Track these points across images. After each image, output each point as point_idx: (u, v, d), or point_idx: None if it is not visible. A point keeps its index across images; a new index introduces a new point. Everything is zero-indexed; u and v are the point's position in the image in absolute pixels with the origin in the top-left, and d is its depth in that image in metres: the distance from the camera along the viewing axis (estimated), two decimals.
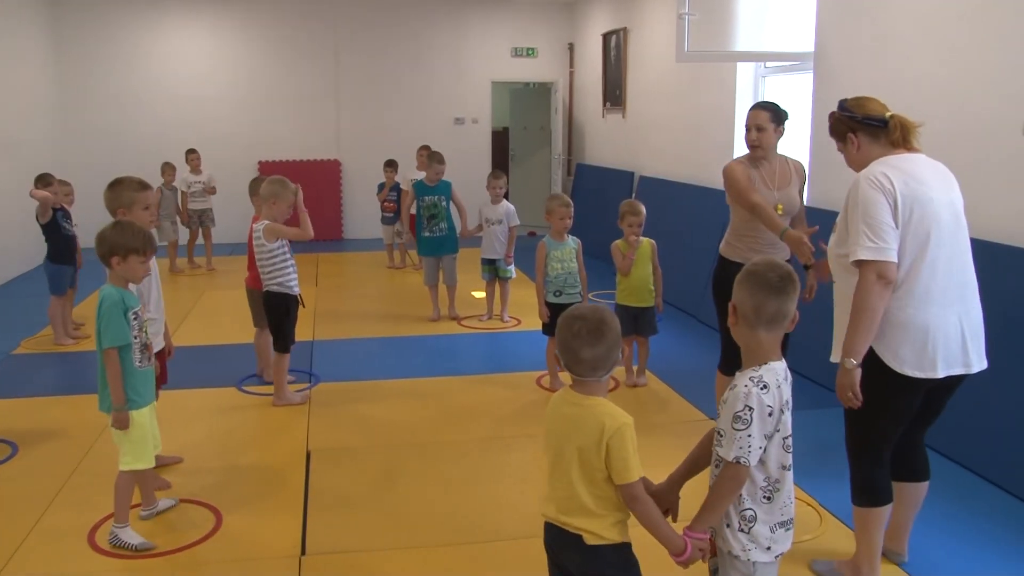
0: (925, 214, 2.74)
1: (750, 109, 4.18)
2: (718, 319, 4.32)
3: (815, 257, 3.72)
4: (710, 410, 4.72)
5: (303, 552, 3.38)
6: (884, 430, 2.92)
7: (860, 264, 2.74)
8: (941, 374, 2.79)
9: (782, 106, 4.15)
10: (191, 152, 9.62)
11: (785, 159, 4.21)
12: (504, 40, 12.37)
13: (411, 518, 3.68)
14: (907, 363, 2.77)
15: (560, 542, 2.28)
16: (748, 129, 4.10)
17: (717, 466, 2.24)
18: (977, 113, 4.51)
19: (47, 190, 6.21)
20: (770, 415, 2.15)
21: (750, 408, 2.13)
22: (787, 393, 2.21)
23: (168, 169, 9.24)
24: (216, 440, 4.57)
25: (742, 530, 2.24)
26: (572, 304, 5.20)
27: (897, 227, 2.73)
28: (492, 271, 7.04)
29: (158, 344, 3.90)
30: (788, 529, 2.27)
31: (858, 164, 2.94)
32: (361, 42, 11.84)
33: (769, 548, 2.23)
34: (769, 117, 4.07)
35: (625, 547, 2.26)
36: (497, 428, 4.74)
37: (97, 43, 11.07)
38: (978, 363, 2.88)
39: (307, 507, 3.76)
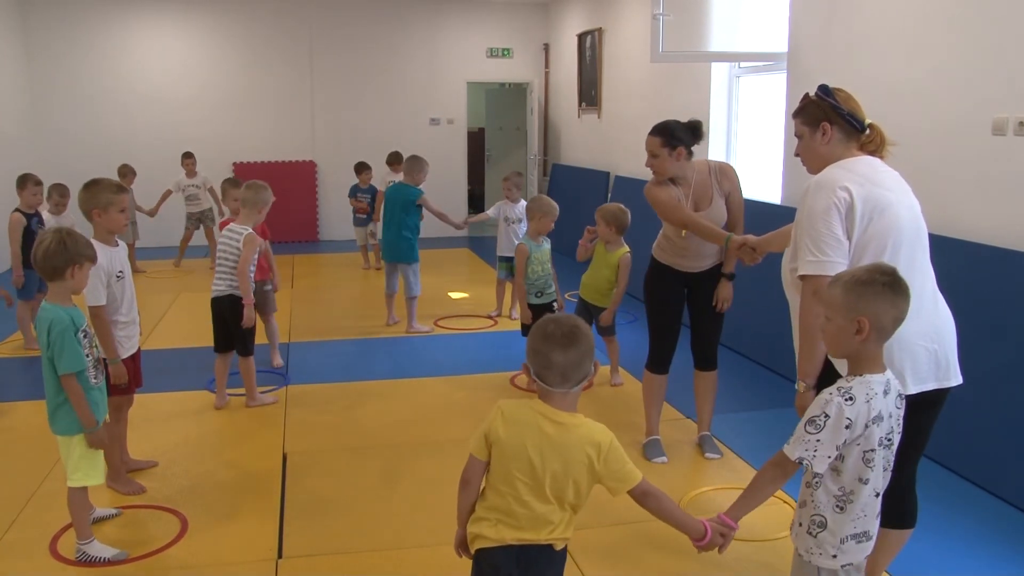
0: (885, 219, 2.54)
1: (648, 133, 3.97)
2: (648, 318, 4.30)
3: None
4: (686, 408, 4.74)
5: (280, 555, 3.36)
6: None
7: (803, 279, 2.57)
8: (912, 390, 2.52)
9: (683, 124, 3.94)
10: (187, 156, 9.74)
11: (707, 169, 4.05)
12: (479, 40, 12.36)
13: (389, 519, 3.66)
14: None
15: (526, 559, 2.19)
16: (646, 153, 3.97)
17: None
18: (948, 113, 4.57)
19: (25, 192, 6.17)
20: (847, 427, 2.10)
21: (827, 416, 2.11)
22: (880, 407, 2.14)
23: (128, 172, 9.09)
24: (192, 443, 4.53)
25: (810, 532, 2.23)
26: (551, 303, 5.27)
27: (851, 237, 2.51)
28: (508, 269, 7.03)
29: (132, 347, 3.86)
30: (860, 542, 2.22)
31: (816, 158, 2.72)
32: (336, 43, 11.79)
33: (835, 556, 2.21)
34: (661, 142, 3.89)
35: None
36: (472, 428, 4.69)
37: (69, 44, 10.93)
38: (954, 376, 2.62)
39: (284, 509, 3.74)
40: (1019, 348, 3.88)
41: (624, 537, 3.35)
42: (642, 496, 2.20)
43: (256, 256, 4.99)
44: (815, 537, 2.22)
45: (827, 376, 2.57)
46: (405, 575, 3.25)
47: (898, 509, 2.82)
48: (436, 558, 3.32)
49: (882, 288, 2.12)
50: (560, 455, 2.14)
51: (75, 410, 3.17)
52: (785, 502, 3.69)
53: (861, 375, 2.16)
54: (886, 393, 2.17)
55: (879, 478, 2.20)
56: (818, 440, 2.11)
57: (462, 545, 2.33)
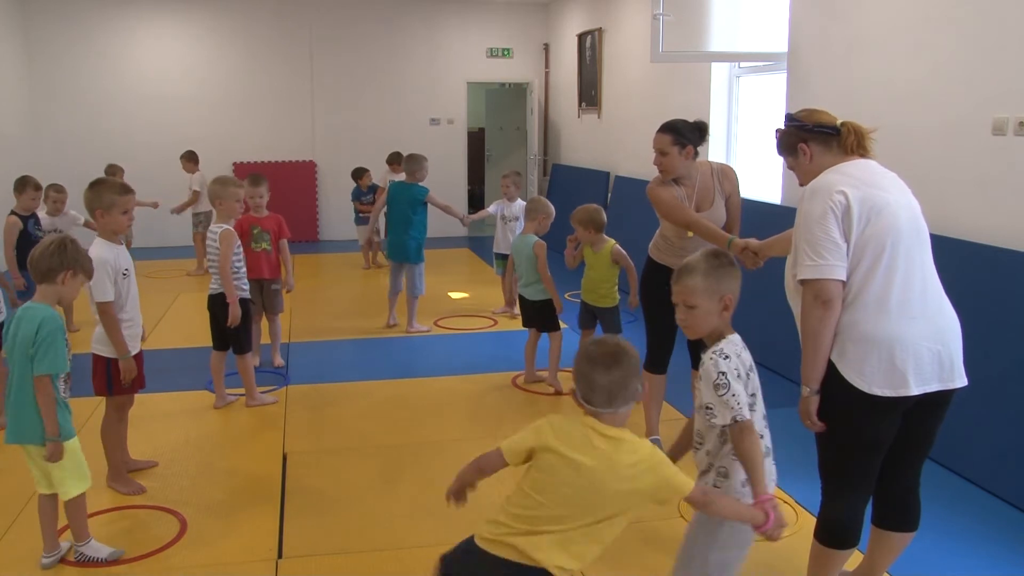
0: (882, 220, 2.54)
1: (656, 131, 3.99)
2: (645, 319, 4.29)
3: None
4: (686, 408, 4.74)
5: (280, 555, 3.36)
6: (858, 461, 2.64)
7: (803, 284, 2.59)
8: (915, 391, 2.52)
9: (690, 124, 3.96)
10: (185, 155, 9.56)
11: (709, 170, 4.06)
12: (479, 40, 12.37)
13: (389, 519, 3.67)
14: (875, 382, 2.51)
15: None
16: (654, 151, 3.97)
17: (699, 445, 2.46)
18: (948, 113, 4.57)
19: (24, 196, 6.15)
20: (738, 376, 2.33)
21: (723, 373, 2.31)
22: (748, 359, 2.40)
23: (117, 171, 8.92)
24: (192, 443, 4.53)
25: (716, 486, 2.41)
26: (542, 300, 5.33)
27: (849, 239, 2.53)
28: (505, 266, 7.06)
29: (136, 347, 3.85)
30: (747, 486, 2.34)
31: (810, 176, 2.73)
32: (336, 43, 11.80)
33: (739, 500, 2.36)
34: (671, 140, 3.91)
35: None
36: (473, 428, 4.73)
37: (69, 44, 10.94)
38: (959, 378, 2.61)
39: (284, 509, 3.74)
40: (1019, 348, 3.88)
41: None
42: (702, 504, 2.25)
43: (237, 250, 4.92)
44: (720, 489, 2.39)
45: (831, 380, 2.58)
46: (405, 575, 3.25)
47: (901, 511, 2.84)
48: (436, 558, 3.32)
49: (731, 267, 2.44)
50: (611, 470, 2.09)
51: (43, 415, 3.05)
52: (784, 502, 3.69)
53: (724, 337, 2.41)
54: (744, 348, 2.43)
55: (762, 424, 2.41)
56: (733, 394, 2.30)
57: (457, 493, 2.37)
